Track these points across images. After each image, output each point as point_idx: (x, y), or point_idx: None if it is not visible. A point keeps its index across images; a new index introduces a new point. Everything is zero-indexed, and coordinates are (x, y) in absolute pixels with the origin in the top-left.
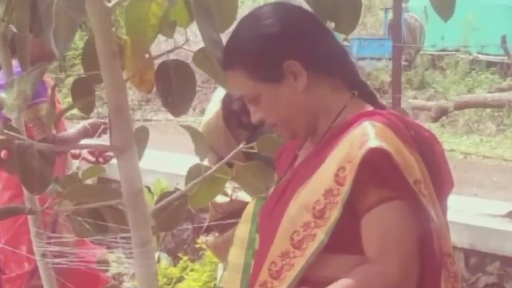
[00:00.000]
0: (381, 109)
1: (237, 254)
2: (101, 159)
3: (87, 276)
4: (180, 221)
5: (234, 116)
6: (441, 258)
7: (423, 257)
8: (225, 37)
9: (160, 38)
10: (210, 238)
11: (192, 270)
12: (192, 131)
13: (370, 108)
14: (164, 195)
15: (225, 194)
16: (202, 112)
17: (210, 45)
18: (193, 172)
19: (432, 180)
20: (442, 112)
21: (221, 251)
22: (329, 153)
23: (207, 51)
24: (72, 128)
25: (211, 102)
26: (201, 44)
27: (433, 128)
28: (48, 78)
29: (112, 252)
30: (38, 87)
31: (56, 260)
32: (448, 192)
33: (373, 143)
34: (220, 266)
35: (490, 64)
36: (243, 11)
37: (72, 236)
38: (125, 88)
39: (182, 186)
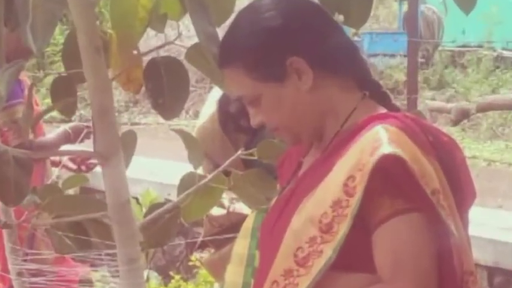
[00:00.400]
0: (395, 111)
1: (235, 272)
2: (83, 167)
3: None
4: (172, 235)
5: (232, 119)
6: (462, 276)
7: (442, 276)
8: (221, 31)
9: (150, 32)
10: (205, 255)
11: None
12: (184, 136)
13: (382, 110)
14: (154, 207)
15: (222, 206)
16: (197, 115)
17: (205, 40)
18: (187, 181)
19: (452, 190)
20: (463, 115)
21: (217, 268)
22: (337, 160)
23: (202, 47)
24: (51, 132)
25: (207, 104)
26: (195, 39)
27: (453, 132)
28: (25, 77)
29: (96, 271)
30: (13, 87)
31: (34, 279)
32: (469, 203)
33: (386, 149)
34: (217, 285)
35: None
36: (241, 3)
37: (51, 253)
38: (110, 88)
39: (174, 197)
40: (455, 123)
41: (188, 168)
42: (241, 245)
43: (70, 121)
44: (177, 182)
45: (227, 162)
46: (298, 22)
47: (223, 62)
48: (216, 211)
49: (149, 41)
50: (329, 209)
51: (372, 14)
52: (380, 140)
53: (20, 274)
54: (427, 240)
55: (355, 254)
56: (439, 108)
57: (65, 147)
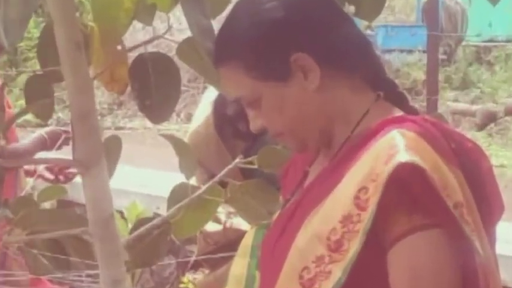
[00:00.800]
0: (413, 114)
1: None
2: (61, 177)
3: None
4: (161, 254)
5: (229, 123)
6: None
7: None
8: (217, 24)
9: (137, 25)
10: (199, 276)
11: None
12: (175, 142)
13: (399, 113)
14: (141, 222)
15: (218, 221)
16: (189, 118)
17: (199, 34)
18: (178, 193)
19: (477, 203)
20: (490, 118)
21: None
22: (347, 169)
23: (195, 41)
24: (25, 138)
25: (200, 106)
26: (188, 33)
27: (479, 138)
28: None
29: None
30: None
31: None
32: (496, 218)
33: (403, 156)
34: None
35: None
36: None
37: (25, 274)
38: (91, 88)
39: (163, 211)
40: (481, 127)
41: (180, 178)
42: (240, 264)
43: (46, 125)
44: (167, 193)
45: (224, 171)
46: (304, 14)
47: (219, 58)
48: (211, 227)
49: (136, 34)
50: (338, 224)
51: (386, 4)
52: (396, 146)
53: None
54: (449, 259)
55: (367, 274)
56: (462, 111)
57: (40, 155)
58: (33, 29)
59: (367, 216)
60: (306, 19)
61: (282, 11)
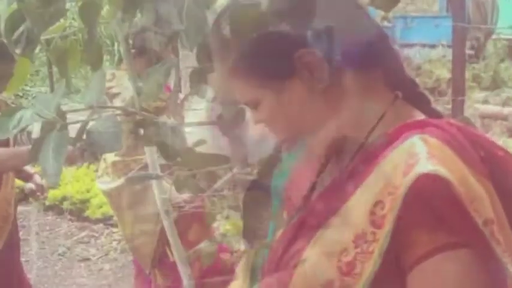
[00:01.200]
0: (436, 118)
1: None
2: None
3: None
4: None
5: (226, 128)
6: None
7: None
8: (211, 16)
9: None
10: None
11: None
12: (165, 149)
13: (420, 116)
14: None
15: (213, 240)
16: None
17: (190, 26)
18: (170, 206)
19: (509, 220)
20: None
21: None
22: (361, 181)
23: (186, 34)
24: None
25: (193, 109)
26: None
27: (511, 145)
28: None
29: None
30: None
31: None
32: None
33: (425, 166)
34: None
35: None
36: None
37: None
38: None
39: None
40: None
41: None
42: None
43: None
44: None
45: (220, 182)
46: (310, 4)
47: (214, 55)
48: (206, 246)
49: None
50: (351, 244)
51: None
52: (417, 155)
53: None
54: (478, 282)
55: None
56: (492, 114)
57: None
58: None
59: (383, 234)
60: (313, 10)
61: (284, 2)
